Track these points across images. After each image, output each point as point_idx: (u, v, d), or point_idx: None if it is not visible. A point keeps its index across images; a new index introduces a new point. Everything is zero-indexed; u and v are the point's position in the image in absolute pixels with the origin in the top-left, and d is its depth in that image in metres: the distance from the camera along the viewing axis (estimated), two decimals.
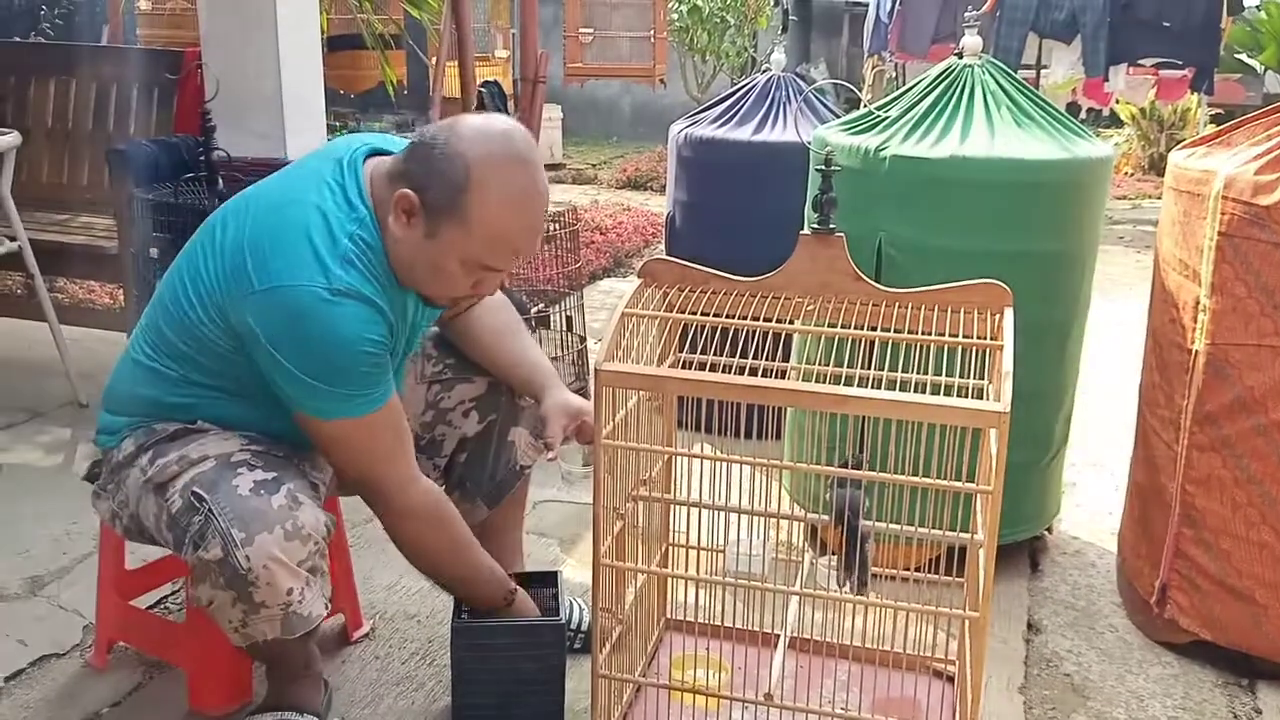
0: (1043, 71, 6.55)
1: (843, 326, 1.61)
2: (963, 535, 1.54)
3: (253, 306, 1.52)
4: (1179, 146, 2.13)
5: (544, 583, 1.90)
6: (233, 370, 1.61)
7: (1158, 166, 8.06)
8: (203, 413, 1.65)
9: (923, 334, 1.55)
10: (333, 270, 1.50)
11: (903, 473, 1.46)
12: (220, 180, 2.77)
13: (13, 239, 3.02)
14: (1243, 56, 8.31)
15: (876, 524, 1.60)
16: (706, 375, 1.47)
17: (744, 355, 1.55)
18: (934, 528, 1.54)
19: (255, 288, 1.51)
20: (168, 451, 1.61)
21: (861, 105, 2.49)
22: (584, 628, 2.00)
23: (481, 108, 3.11)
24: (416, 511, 1.66)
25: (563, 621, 1.77)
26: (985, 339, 1.56)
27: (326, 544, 1.58)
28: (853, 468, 1.51)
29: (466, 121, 1.56)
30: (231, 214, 1.61)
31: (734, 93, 3.29)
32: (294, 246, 1.51)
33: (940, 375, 1.55)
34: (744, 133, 3.09)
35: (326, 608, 1.59)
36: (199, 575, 1.53)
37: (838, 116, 2.91)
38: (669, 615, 1.95)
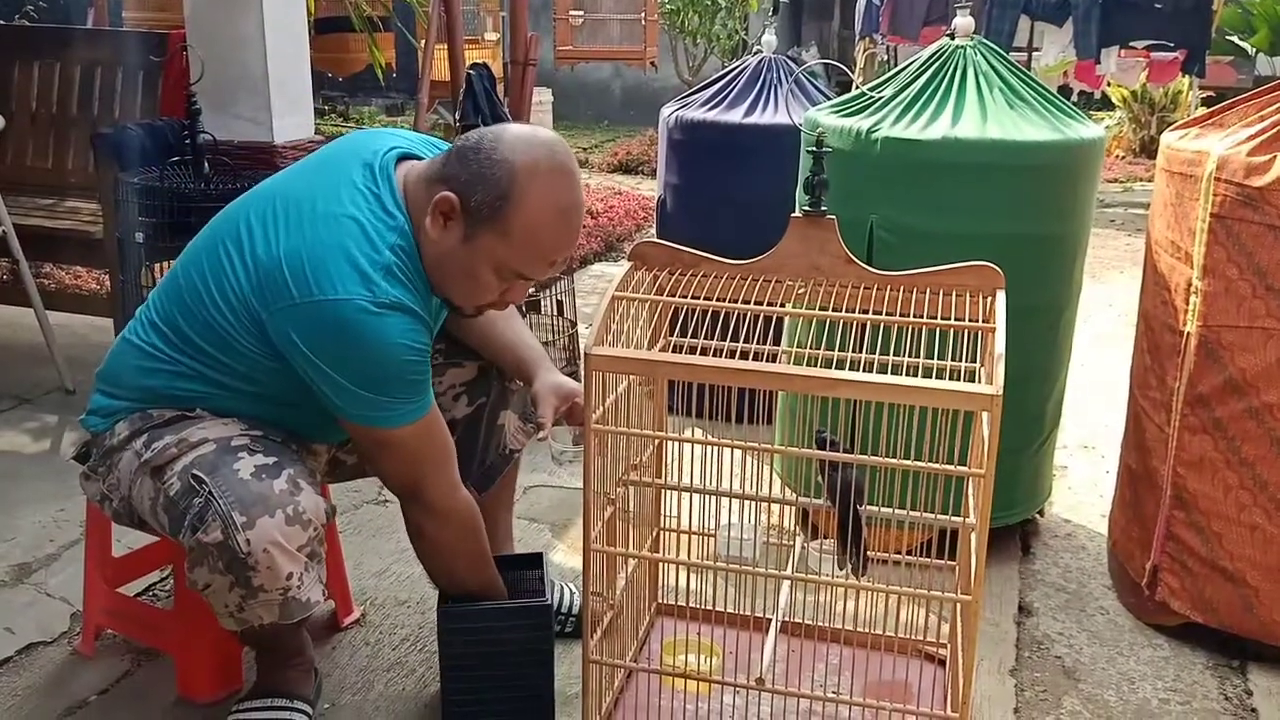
0: (1034, 54, 6.53)
1: (834, 309, 1.60)
2: (954, 519, 1.53)
3: (295, 320, 1.50)
4: (1171, 128, 2.12)
5: (529, 565, 1.89)
6: (262, 374, 1.59)
7: (1149, 149, 8.05)
8: (206, 404, 1.64)
9: (914, 317, 1.54)
10: (377, 283, 1.49)
11: (894, 456, 1.45)
12: (206, 164, 2.74)
13: None
14: (1234, 39, 8.30)
15: (869, 507, 1.60)
16: (698, 359, 1.46)
17: (734, 339, 1.54)
18: (924, 511, 1.54)
19: (295, 300, 1.49)
20: (164, 435, 1.60)
21: (853, 87, 2.48)
22: (574, 612, 2.00)
23: (470, 91, 3.08)
24: (454, 518, 1.66)
25: (549, 603, 1.77)
26: (977, 322, 1.55)
27: (324, 529, 1.58)
28: (825, 446, 1.50)
29: (512, 130, 1.55)
30: (257, 217, 1.57)
31: (725, 75, 3.27)
32: (333, 259, 1.49)
33: (932, 358, 1.54)
34: (735, 115, 3.08)
35: (324, 594, 1.59)
36: (196, 558, 1.51)
37: (829, 98, 2.90)
38: (660, 600, 1.95)
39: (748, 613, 1.78)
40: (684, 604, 1.90)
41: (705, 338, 1.59)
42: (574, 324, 3.31)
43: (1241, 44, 8.31)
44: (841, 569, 1.62)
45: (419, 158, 1.62)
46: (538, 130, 1.59)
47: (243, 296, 1.54)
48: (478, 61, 3.40)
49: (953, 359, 1.53)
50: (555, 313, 3.27)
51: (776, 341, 1.63)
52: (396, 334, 1.50)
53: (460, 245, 1.53)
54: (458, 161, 1.53)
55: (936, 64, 2.28)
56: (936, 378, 1.52)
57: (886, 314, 1.57)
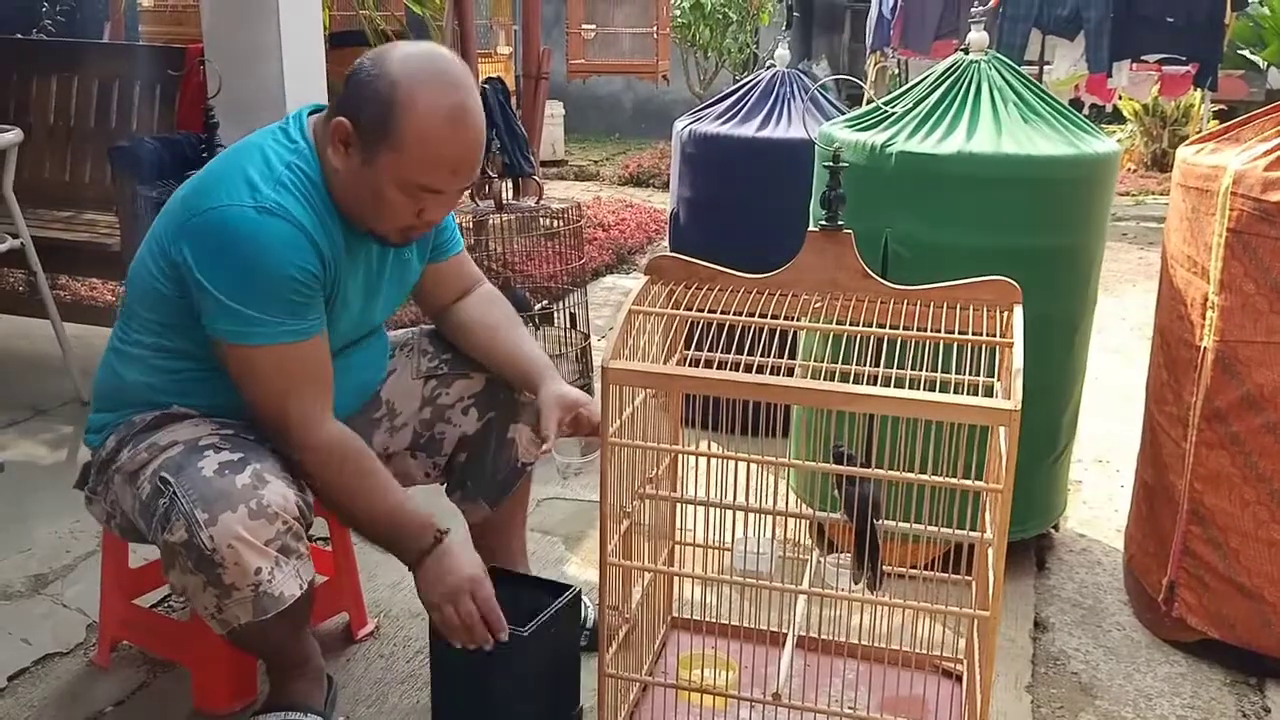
0: (1046, 67, 6.53)
1: (850, 324, 1.60)
2: (971, 534, 1.53)
3: (186, 235, 1.55)
4: (1187, 142, 2.12)
5: (557, 591, 1.88)
6: (188, 323, 1.59)
7: (1160, 163, 8.04)
8: (176, 392, 1.65)
9: (931, 331, 1.54)
10: (261, 190, 1.53)
11: (910, 470, 1.45)
12: None
13: (15, 236, 3.02)
14: (1246, 52, 8.27)
15: (885, 522, 1.60)
16: (715, 373, 1.46)
17: (750, 353, 1.54)
18: (938, 525, 1.53)
19: (190, 217, 1.55)
20: (142, 440, 1.62)
21: (865, 101, 2.48)
22: (590, 626, 1.99)
23: (484, 105, 3.10)
24: (322, 449, 1.60)
25: (579, 623, 1.75)
26: (995, 336, 1.55)
27: (301, 523, 1.55)
28: (842, 460, 1.50)
29: (394, 46, 1.60)
30: (185, 184, 1.66)
31: (738, 89, 3.28)
32: (230, 177, 1.56)
33: (949, 373, 1.54)
34: (749, 129, 3.08)
35: (301, 588, 1.55)
36: (168, 561, 1.52)
37: (842, 112, 2.90)
38: (675, 614, 1.94)
39: (764, 627, 1.78)
40: (699, 618, 1.90)
41: (720, 351, 1.59)
42: (587, 336, 3.31)
43: (1253, 57, 8.29)
44: (857, 583, 1.62)
45: None
46: (420, 43, 1.62)
47: (160, 238, 1.60)
48: (491, 76, 3.43)
49: (969, 373, 1.53)
50: (568, 325, 3.28)
51: (793, 356, 1.63)
52: (277, 242, 1.52)
53: (362, 168, 1.56)
54: (348, 90, 1.58)
55: (951, 78, 2.28)
56: (953, 392, 1.52)
57: (904, 329, 1.57)
